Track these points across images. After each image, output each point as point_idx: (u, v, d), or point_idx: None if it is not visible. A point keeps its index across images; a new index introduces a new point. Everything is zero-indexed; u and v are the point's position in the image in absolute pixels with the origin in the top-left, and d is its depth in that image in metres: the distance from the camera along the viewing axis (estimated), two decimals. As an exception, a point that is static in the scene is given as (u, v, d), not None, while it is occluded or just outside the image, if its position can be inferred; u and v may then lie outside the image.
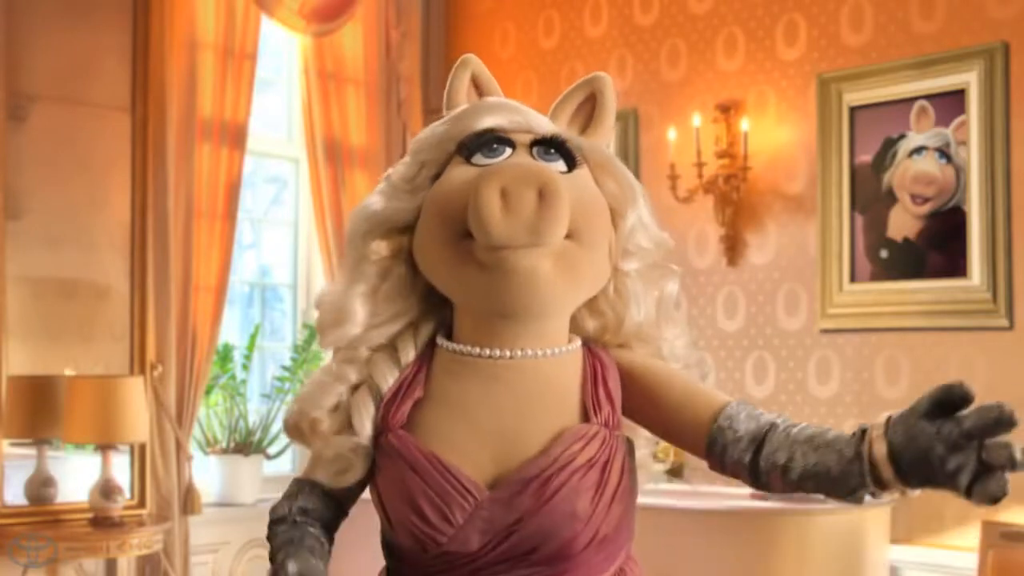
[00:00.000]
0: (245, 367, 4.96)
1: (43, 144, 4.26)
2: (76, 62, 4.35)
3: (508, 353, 1.37)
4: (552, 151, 1.40)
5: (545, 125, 1.43)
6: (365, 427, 1.38)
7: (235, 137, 4.69)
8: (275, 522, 1.48)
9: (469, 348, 1.38)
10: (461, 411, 1.35)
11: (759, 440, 1.30)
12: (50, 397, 4.12)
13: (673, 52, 4.81)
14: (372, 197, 1.45)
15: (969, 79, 3.97)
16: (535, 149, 1.39)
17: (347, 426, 1.40)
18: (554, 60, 5.18)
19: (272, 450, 4.94)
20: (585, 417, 1.35)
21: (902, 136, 4.14)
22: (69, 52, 4.33)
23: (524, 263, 1.29)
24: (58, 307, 4.30)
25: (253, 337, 5.00)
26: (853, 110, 4.27)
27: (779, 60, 4.50)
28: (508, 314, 1.35)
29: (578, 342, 1.42)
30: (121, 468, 4.24)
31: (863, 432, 1.25)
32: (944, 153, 4.04)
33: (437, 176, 1.41)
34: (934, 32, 4.10)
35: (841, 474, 1.25)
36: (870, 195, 4.22)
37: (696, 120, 4.52)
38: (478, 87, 1.51)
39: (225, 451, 4.83)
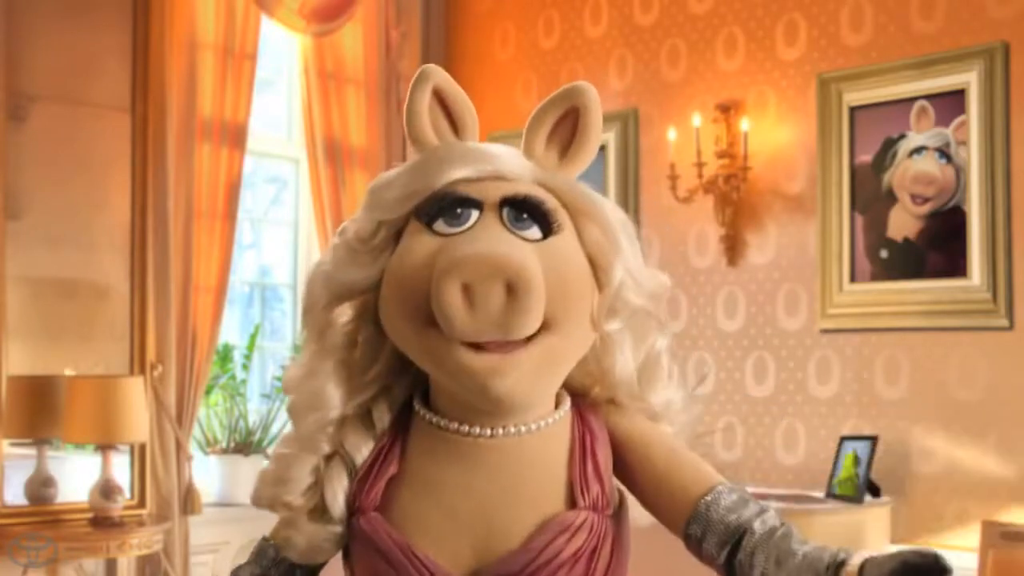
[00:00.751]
0: (245, 367, 4.96)
1: (43, 144, 4.26)
2: (76, 62, 4.35)
3: (489, 432, 1.24)
4: (525, 216, 1.22)
5: (518, 169, 1.26)
6: (339, 506, 1.26)
7: (235, 137, 4.69)
8: None
9: (447, 423, 1.25)
10: (438, 495, 1.24)
11: (734, 542, 1.23)
12: (50, 397, 4.12)
13: (673, 52, 4.81)
14: (326, 257, 1.31)
15: (969, 79, 3.97)
16: (505, 211, 1.22)
17: (320, 502, 1.28)
18: (554, 60, 5.18)
19: (272, 450, 4.93)
20: (572, 499, 1.24)
21: (902, 136, 4.14)
22: (69, 52, 4.33)
23: (500, 384, 1.17)
24: (58, 307, 4.30)
25: (253, 337, 5.00)
26: (853, 110, 4.27)
27: (779, 60, 4.50)
28: (487, 412, 1.23)
29: (566, 405, 1.29)
30: (121, 468, 4.24)
31: (839, 565, 1.17)
32: (944, 153, 4.04)
33: (399, 234, 1.26)
34: (934, 32, 4.10)
35: None
36: (870, 195, 4.22)
37: (696, 120, 4.52)
38: (443, 102, 1.32)
39: (225, 451, 4.83)
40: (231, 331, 5.07)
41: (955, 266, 4.01)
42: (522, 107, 5.15)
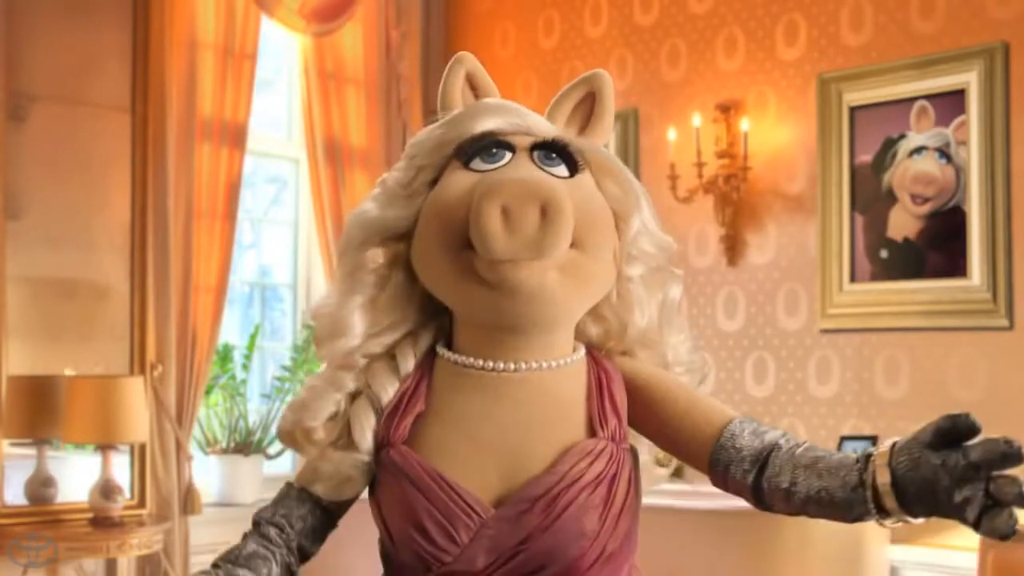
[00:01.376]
0: (245, 367, 4.96)
1: (43, 144, 4.26)
2: (76, 62, 4.35)
3: (512, 366, 1.33)
4: (553, 155, 1.35)
5: (544, 127, 1.39)
6: (366, 441, 1.34)
7: (235, 137, 4.69)
8: (253, 524, 1.46)
9: (472, 360, 1.34)
10: (465, 427, 1.32)
11: (762, 461, 1.28)
12: (50, 397, 4.12)
13: (673, 52, 4.81)
14: (367, 203, 1.41)
15: (969, 79, 3.97)
16: (535, 153, 1.35)
17: (345, 437, 1.36)
18: (554, 60, 5.18)
19: (272, 450, 4.93)
20: (591, 430, 1.32)
21: (902, 136, 4.14)
22: (69, 52, 4.33)
23: (529, 278, 1.26)
24: (58, 307, 4.30)
25: (253, 337, 5.00)
26: (853, 110, 4.27)
27: (779, 60, 4.50)
28: (514, 328, 1.32)
29: (582, 351, 1.39)
30: (121, 468, 4.24)
31: (867, 458, 1.21)
32: (944, 153, 4.04)
33: (434, 181, 1.36)
34: (934, 32, 4.10)
35: (844, 501, 1.21)
36: (870, 195, 4.22)
37: (696, 120, 4.52)
38: (474, 86, 1.45)
39: (225, 451, 4.83)
40: (231, 331, 5.07)
41: (955, 266, 4.01)
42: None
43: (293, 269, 5.35)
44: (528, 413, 1.32)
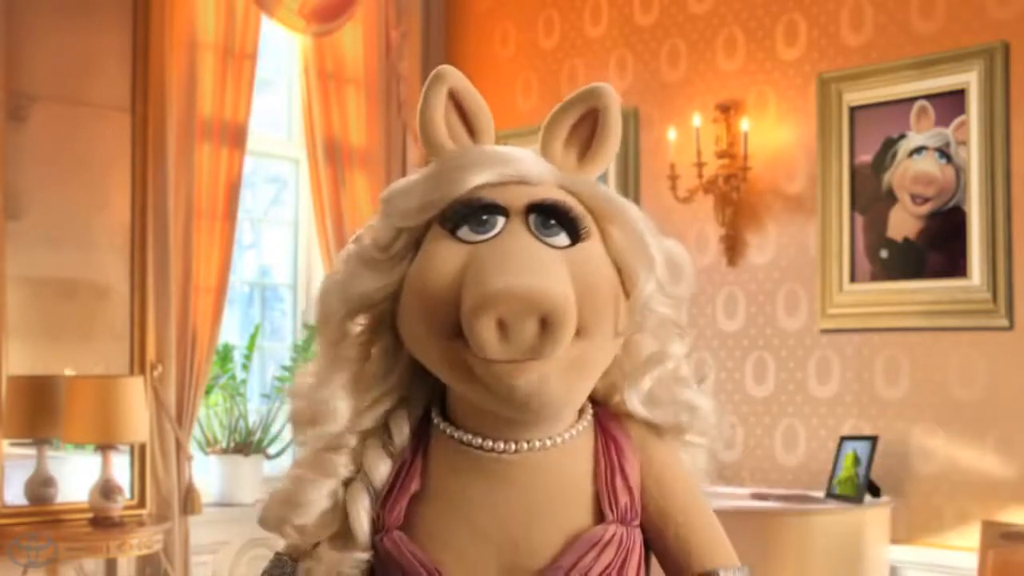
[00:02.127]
0: (245, 367, 4.96)
1: (43, 144, 4.26)
2: (76, 62, 4.35)
3: (513, 447, 1.21)
4: (552, 222, 1.19)
5: (539, 172, 1.23)
6: (364, 531, 1.22)
7: (235, 137, 4.69)
8: None
9: (470, 438, 1.22)
10: (462, 512, 1.21)
11: None
12: (50, 397, 4.12)
13: (673, 52, 4.81)
14: (343, 268, 1.26)
15: (969, 79, 3.97)
16: (532, 218, 1.19)
17: (342, 531, 1.24)
18: (554, 60, 5.18)
19: (272, 450, 4.93)
20: (599, 511, 1.22)
21: (902, 136, 4.14)
22: (69, 52, 4.33)
23: (527, 383, 1.14)
24: (58, 307, 4.30)
25: (253, 337, 5.00)
26: (853, 110, 4.27)
27: (779, 60, 4.50)
28: (514, 422, 1.20)
29: (589, 416, 1.27)
30: (121, 468, 4.24)
31: None
32: (944, 153, 4.04)
33: (418, 241, 1.22)
34: (934, 32, 4.10)
35: None
36: (870, 195, 4.22)
37: (696, 120, 4.52)
38: (459, 105, 1.28)
39: (225, 451, 4.83)
40: (231, 331, 5.07)
41: (955, 266, 4.01)
42: (522, 107, 5.15)
43: (293, 269, 5.35)
44: (530, 499, 1.21)
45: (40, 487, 4.16)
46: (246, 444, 4.85)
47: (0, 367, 4.07)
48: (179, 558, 4.41)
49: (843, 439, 4.06)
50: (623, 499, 1.23)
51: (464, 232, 1.18)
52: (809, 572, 3.78)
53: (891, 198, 4.17)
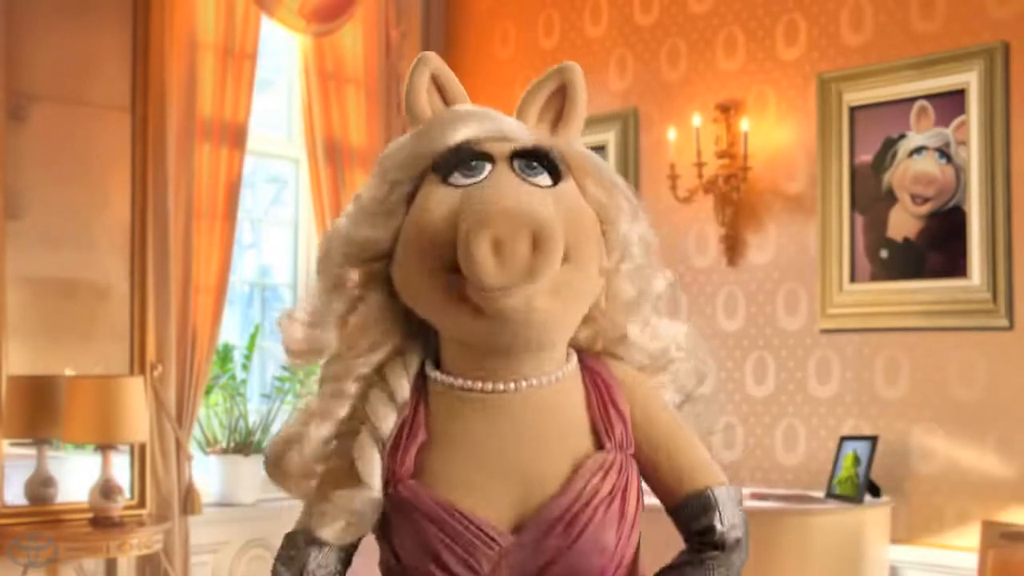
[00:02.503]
0: (245, 367, 4.96)
1: (43, 144, 4.26)
2: (76, 62, 4.35)
3: (512, 386, 1.30)
4: (535, 164, 1.31)
5: (519, 131, 1.35)
6: (375, 478, 1.29)
7: (235, 137, 4.69)
8: None
9: (469, 383, 1.31)
10: (470, 453, 1.29)
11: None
12: (50, 397, 4.12)
13: (673, 52, 4.81)
14: (343, 221, 1.36)
15: (969, 79, 3.97)
16: (516, 163, 1.30)
17: (347, 474, 1.31)
18: (554, 60, 5.14)
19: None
20: (598, 440, 1.31)
21: (902, 136, 4.14)
22: (69, 52, 4.33)
23: (519, 304, 1.22)
24: (58, 307, 4.30)
25: (253, 337, 5.00)
26: (853, 110, 4.27)
27: (779, 60, 4.50)
28: (507, 351, 1.29)
29: (575, 359, 1.36)
30: (121, 468, 4.24)
31: None
32: (944, 153, 4.04)
33: (412, 195, 1.32)
34: (934, 32, 4.10)
35: None
36: (870, 195, 4.22)
37: (696, 120, 4.52)
38: (440, 87, 1.39)
39: (225, 451, 4.83)
40: (231, 331, 5.07)
41: (955, 266, 4.01)
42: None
43: (293, 269, 5.35)
44: (533, 432, 1.29)
45: (40, 487, 4.16)
46: (246, 444, 4.85)
47: (0, 367, 4.07)
48: (179, 558, 4.41)
49: (843, 439, 4.06)
50: (618, 427, 1.32)
51: (456, 178, 1.29)
52: (809, 572, 3.78)
53: (891, 198, 4.17)
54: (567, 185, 1.32)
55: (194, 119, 4.55)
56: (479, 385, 1.30)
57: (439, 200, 1.27)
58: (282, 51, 5.24)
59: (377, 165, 1.36)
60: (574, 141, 1.39)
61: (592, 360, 1.38)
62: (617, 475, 1.29)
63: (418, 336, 1.37)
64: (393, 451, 1.30)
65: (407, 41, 5.30)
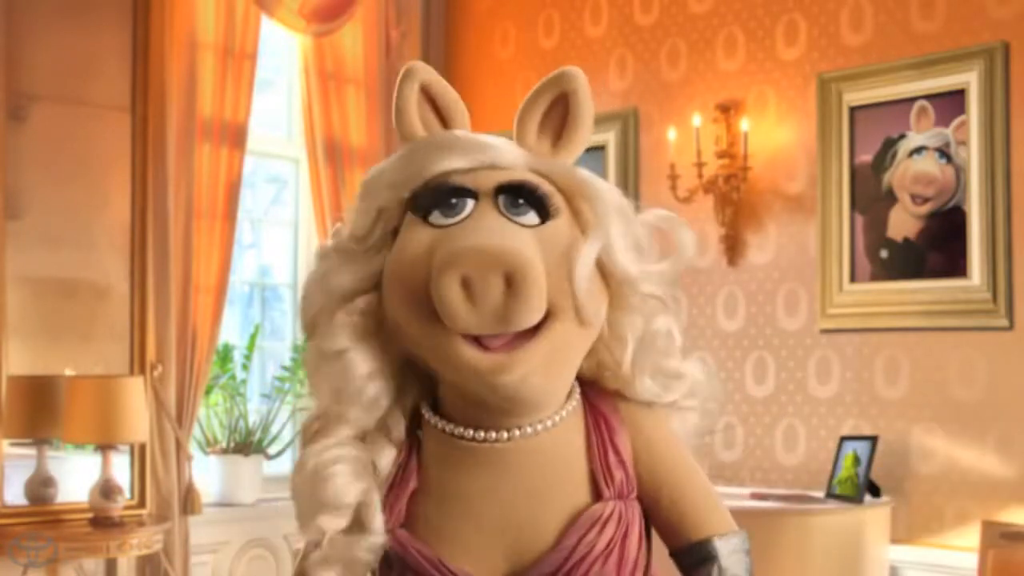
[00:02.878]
0: (245, 367, 4.96)
1: (43, 144, 4.25)
2: (76, 62, 4.35)
3: (506, 435, 1.21)
4: (520, 201, 1.20)
5: (511, 157, 1.24)
6: (377, 521, 1.22)
7: (235, 137, 4.69)
8: None
9: (462, 431, 1.22)
10: (462, 504, 1.22)
11: None
12: (50, 397, 4.12)
13: (673, 52, 4.81)
14: (322, 265, 1.26)
15: (969, 79, 3.97)
16: (501, 199, 1.20)
17: (352, 520, 1.23)
18: (554, 60, 5.18)
19: (272, 450, 4.93)
20: (596, 489, 1.24)
21: (902, 136, 4.14)
22: (69, 52, 4.33)
23: (509, 381, 1.14)
24: (58, 307, 4.30)
25: (253, 337, 5.00)
26: (853, 110, 4.27)
27: (779, 60, 4.50)
28: (503, 411, 1.20)
29: (576, 396, 1.27)
30: (121, 468, 4.24)
31: None
32: (944, 153, 4.04)
33: (396, 231, 1.23)
34: (934, 32, 4.10)
35: None
36: (870, 195, 4.22)
37: (696, 120, 4.52)
38: (431, 99, 1.28)
39: (225, 451, 4.83)
40: (231, 331, 5.07)
41: (955, 266, 4.01)
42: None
43: (293, 269, 5.35)
44: (528, 483, 1.22)
45: (40, 487, 4.16)
46: (246, 444, 4.85)
47: (0, 367, 4.07)
48: (179, 558, 4.41)
49: (843, 439, 4.06)
50: (618, 475, 1.24)
51: (435, 217, 1.19)
52: (809, 572, 3.78)
53: (891, 198, 4.17)
54: (557, 223, 1.20)
55: (194, 119, 4.55)
56: (471, 433, 1.22)
57: (416, 241, 1.18)
58: (282, 51, 5.24)
59: (361, 188, 1.27)
60: (576, 157, 1.28)
61: (596, 396, 1.29)
62: (615, 527, 1.23)
63: (417, 376, 1.28)
64: (385, 497, 1.24)
65: (407, 41, 5.30)
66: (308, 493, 1.23)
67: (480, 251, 1.12)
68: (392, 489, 1.24)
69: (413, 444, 1.26)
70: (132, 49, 4.46)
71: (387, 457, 1.25)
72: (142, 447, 4.34)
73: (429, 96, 1.28)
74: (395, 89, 1.28)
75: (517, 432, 1.21)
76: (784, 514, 3.84)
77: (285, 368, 5.06)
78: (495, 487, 1.22)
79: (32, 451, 4.20)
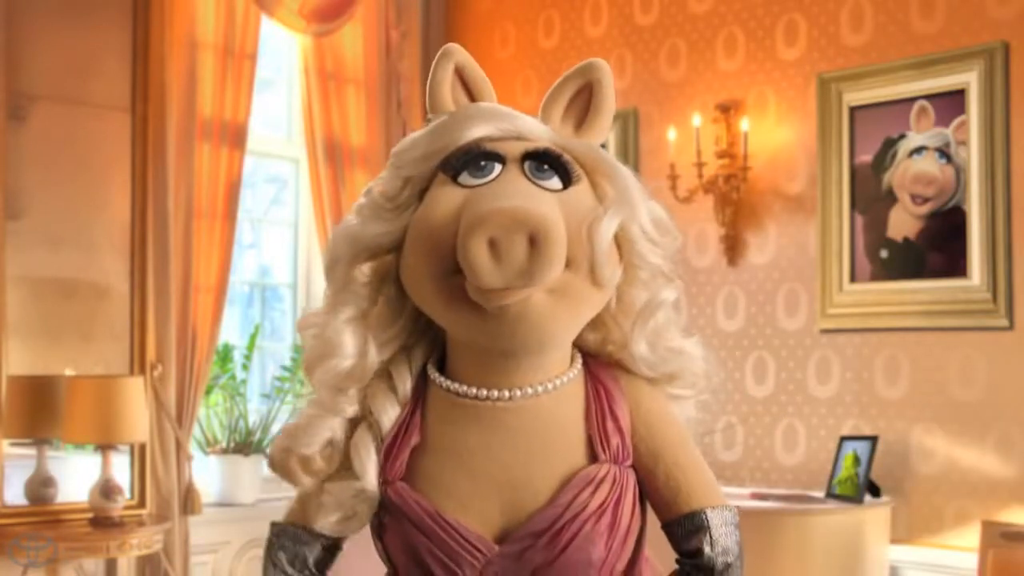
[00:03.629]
0: (245, 367, 4.96)
1: (43, 144, 4.26)
2: (76, 62, 4.35)
3: (507, 394, 1.28)
4: (545, 167, 1.28)
5: (537, 131, 1.33)
6: (368, 471, 1.29)
7: (235, 137, 4.69)
8: None
9: (465, 389, 1.29)
10: (462, 460, 1.28)
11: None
12: (50, 397, 4.12)
13: (673, 52, 4.81)
14: (352, 217, 1.34)
15: (969, 79, 3.97)
16: (527, 164, 1.28)
17: (344, 467, 1.31)
18: (554, 60, 5.18)
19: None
20: (592, 453, 1.29)
21: (902, 136, 4.14)
22: (69, 52, 4.33)
23: (515, 304, 1.20)
24: (58, 307, 4.30)
25: (253, 337, 5.00)
26: (853, 110, 4.27)
27: (779, 60, 4.50)
28: (506, 353, 1.27)
29: (579, 364, 1.35)
30: (121, 468, 4.24)
31: None
32: (944, 153, 4.04)
33: (423, 192, 1.31)
34: (934, 32, 4.10)
35: None
36: (870, 195, 4.22)
37: (696, 120, 4.52)
38: (464, 80, 1.36)
39: (225, 451, 4.83)
40: (231, 331, 5.07)
41: (955, 266, 4.01)
42: (522, 106, 5.11)
43: (293, 269, 5.35)
44: (526, 443, 1.28)
45: (40, 487, 4.16)
46: (246, 444, 4.85)
47: (0, 367, 4.07)
48: (179, 558, 4.41)
49: (843, 439, 4.06)
50: (614, 440, 1.30)
51: (464, 178, 1.27)
52: (809, 572, 3.78)
53: (891, 198, 4.17)
54: (578, 188, 1.29)
55: (194, 119, 4.55)
56: (475, 391, 1.29)
57: (445, 200, 1.26)
58: (282, 51, 5.24)
59: (392, 158, 1.34)
60: (597, 141, 1.36)
61: (598, 367, 1.36)
62: (609, 488, 1.27)
63: (425, 333, 1.36)
64: (387, 451, 1.30)
65: (407, 41, 5.30)
66: (289, 429, 1.33)
67: (507, 213, 1.18)
68: (395, 443, 1.30)
69: (418, 402, 1.32)
70: (132, 49, 4.46)
71: (391, 413, 1.31)
72: (142, 447, 4.34)
73: (463, 78, 1.36)
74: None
75: (519, 392, 1.28)
76: (784, 514, 3.84)
77: (285, 368, 5.06)
78: (494, 444, 1.28)
79: (32, 451, 4.21)
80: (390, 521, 1.29)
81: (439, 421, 1.30)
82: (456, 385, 1.30)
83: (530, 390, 1.29)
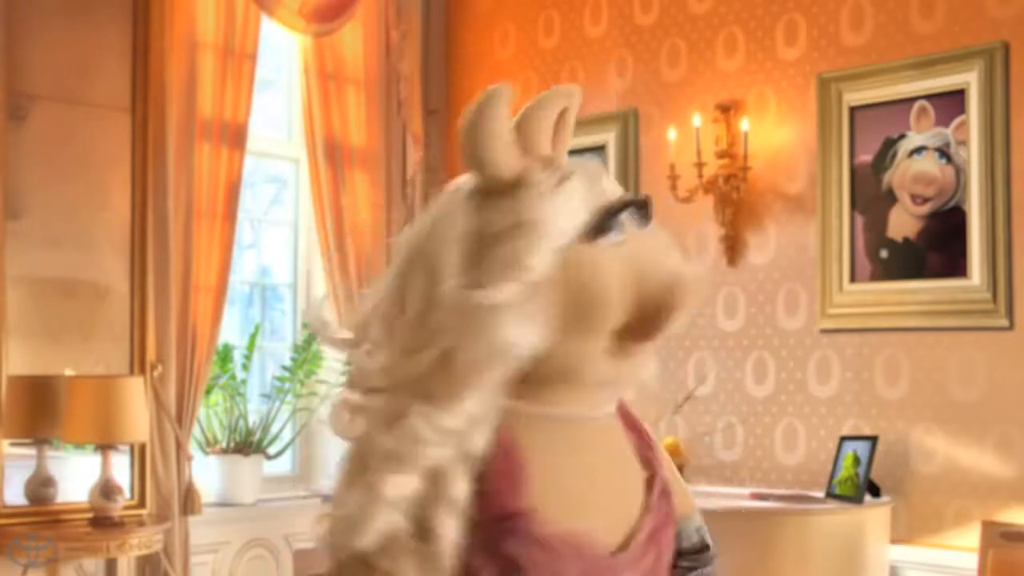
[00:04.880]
0: (245, 367, 4.96)
1: (43, 144, 4.26)
2: (76, 62, 4.35)
3: (599, 414, 1.35)
4: (641, 215, 1.35)
5: (614, 183, 1.39)
6: (460, 489, 1.21)
7: (235, 137, 4.69)
8: None
9: (562, 412, 1.30)
10: (581, 479, 1.29)
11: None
12: (50, 397, 4.12)
13: (673, 52, 4.81)
14: (508, 330, 1.21)
15: (969, 79, 3.97)
16: (632, 211, 1.34)
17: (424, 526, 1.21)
18: (554, 60, 5.18)
19: (272, 450, 4.94)
20: (647, 466, 1.38)
21: (902, 136, 4.14)
22: (69, 52, 4.33)
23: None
24: (58, 307, 4.30)
25: (253, 337, 5.00)
26: (853, 110, 4.27)
27: (779, 60, 4.50)
28: (597, 395, 1.36)
29: None
30: (121, 468, 4.24)
31: None
32: (944, 153, 4.04)
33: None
34: (934, 32, 4.10)
35: None
36: (870, 195, 4.22)
37: (696, 120, 4.52)
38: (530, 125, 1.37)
39: (225, 451, 4.83)
40: (231, 331, 5.07)
41: (955, 266, 4.01)
42: (522, 107, 5.14)
43: (293, 269, 5.35)
44: (618, 455, 1.36)
45: (40, 487, 4.16)
46: (246, 444, 4.85)
47: (0, 367, 4.07)
48: (179, 558, 4.41)
49: (843, 439, 4.06)
50: (652, 452, 1.40)
51: (607, 238, 1.28)
52: (809, 572, 3.78)
53: (891, 198, 4.17)
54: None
55: (194, 119, 4.55)
56: (565, 412, 1.30)
57: (608, 264, 1.26)
58: (282, 51, 5.24)
59: (531, 228, 1.23)
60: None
61: None
62: (671, 496, 1.38)
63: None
64: (494, 492, 1.23)
65: (407, 41, 5.30)
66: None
67: (693, 277, 1.32)
68: (495, 475, 1.23)
69: (506, 429, 1.25)
70: (132, 49, 4.47)
71: (482, 441, 1.22)
72: (142, 447, 4.34)
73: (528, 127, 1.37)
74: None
75: (600, 412, 1.35)
76: (784, 514, 3.84)
77: (285, 368, 5.06)
78: (595, 459, 1.32)
79: (32, 451, 4.21)
80: (515, 551, 1.22)
81: (538, 447, 1.27)
82: (549, 409, 1.29)
83: (608, 409, 1.37)
